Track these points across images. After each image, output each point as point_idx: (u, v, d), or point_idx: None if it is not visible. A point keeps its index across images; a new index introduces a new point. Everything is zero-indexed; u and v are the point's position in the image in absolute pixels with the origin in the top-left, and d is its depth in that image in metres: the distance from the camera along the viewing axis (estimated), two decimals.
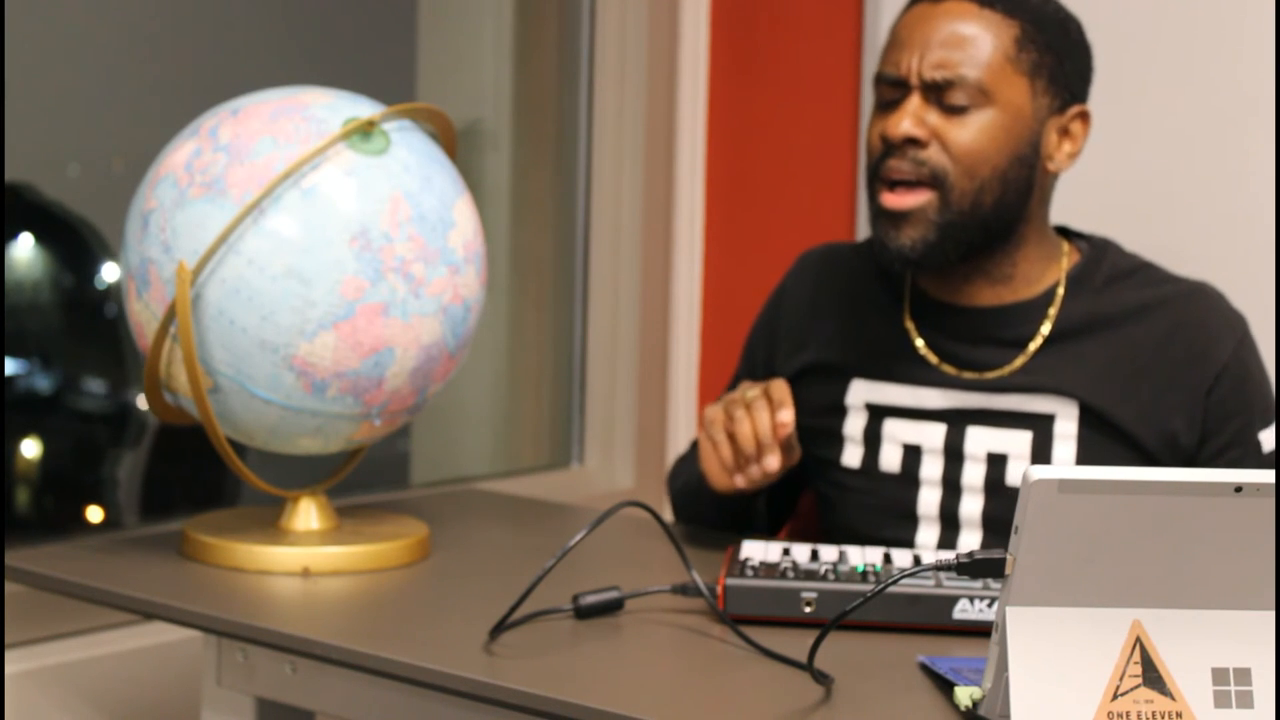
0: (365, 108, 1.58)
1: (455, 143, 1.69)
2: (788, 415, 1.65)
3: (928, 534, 1.75)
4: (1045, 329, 1.74)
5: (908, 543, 1.75)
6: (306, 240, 1.49)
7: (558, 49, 2.89)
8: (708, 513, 1.84)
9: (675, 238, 2.85)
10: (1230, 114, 2.27)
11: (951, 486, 1.74)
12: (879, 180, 1.71)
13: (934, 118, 1.68)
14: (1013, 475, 1.71)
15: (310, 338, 1.50)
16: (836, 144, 2.68)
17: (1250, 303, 1.85)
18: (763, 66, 2.77)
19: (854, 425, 1.79)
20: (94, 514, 2.36)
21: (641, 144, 2.85)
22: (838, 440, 1.80)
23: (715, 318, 2.85)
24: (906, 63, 1.69)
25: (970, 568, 1.15)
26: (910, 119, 1.67)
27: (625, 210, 2.83)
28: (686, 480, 1.88)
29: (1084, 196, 2.06)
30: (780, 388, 1.68)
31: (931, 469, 1.75)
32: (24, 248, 2.26)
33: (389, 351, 1.53)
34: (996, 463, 1.72)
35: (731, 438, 1.67)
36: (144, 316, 1.55)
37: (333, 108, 1.56)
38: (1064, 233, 1.81)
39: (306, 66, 2.57)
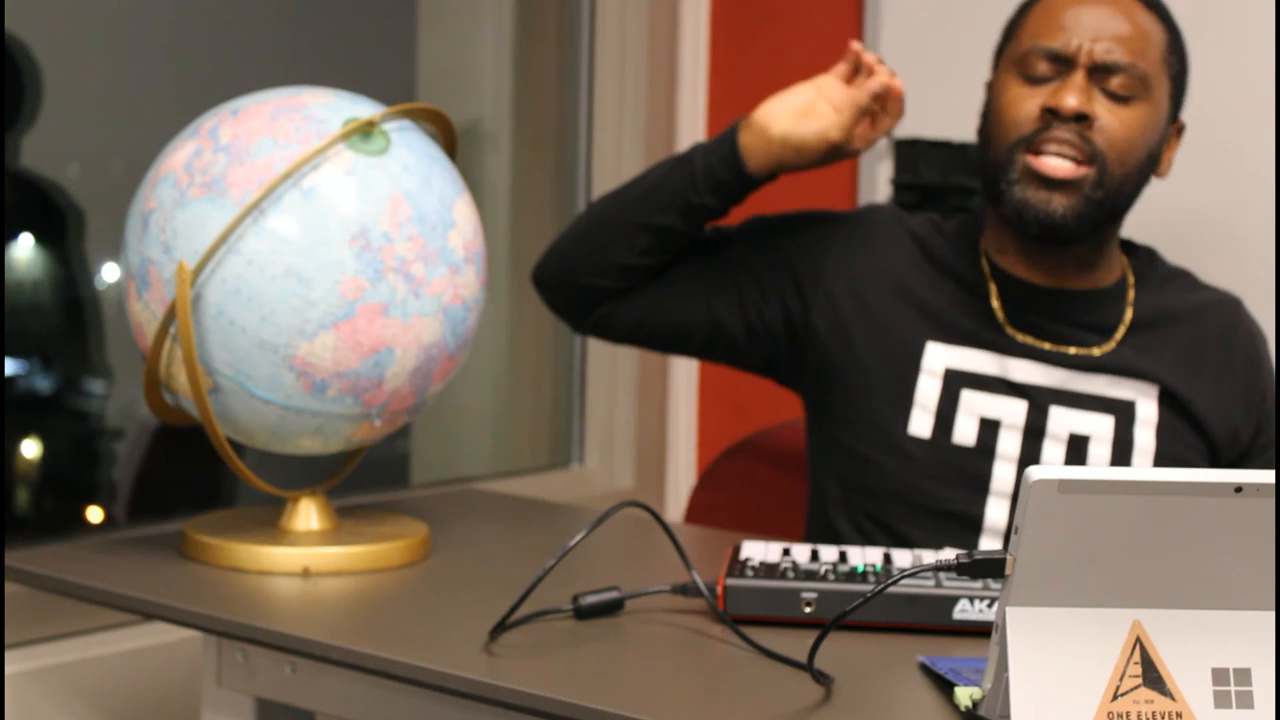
0: (365, 108, 1.58)
1: (455, 143, 1.69)
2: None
3: (999, 509, 1.75)
4: (1127, 316, 1.79)
5: (977, 516, 1.75)
6: (306, 240, 1.49)
7: (558, 49, 2.89)
8: (683, 195, 1.80)
9: None
10: (1231, 113, 2.27)
11: (1029, 464, 1.73)
12: (1027, 150, 1.71)
13: (1096, 101, 1.70)
14: (1094, 457, 1.74)
15: (310, 338, 1.50)
16: None
17: (1249, 302, 1.86)
18: (763, 66, 2.77)
19: (927, 392, 1.77)
20: (94, 514, 2.37)
21: (641, 144, 2.85)
22: (905, 405, 1.78)
23: None
24: (1076, 41, 1.70)
25: (970, 568, 1.15)
26: (1080, 95, 1.69)
27: None
28: (680, 165, 1.83)
29: None
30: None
31: (1009, 445, 1.75)
32: (24, 248, 2.26)
33: (389, 352, 1.53)
34: (1078, 444, 1.75)
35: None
36: (144, 316, 1.55)
37: (333, 108, 1.56)
38: None
39: (306, 66, 2.57)
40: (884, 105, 1.79)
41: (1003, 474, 1.75)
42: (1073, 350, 1.76)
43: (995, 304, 1.79)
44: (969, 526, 1.75)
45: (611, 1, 2.84)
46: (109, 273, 2.34)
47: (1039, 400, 1.75)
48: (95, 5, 2.35)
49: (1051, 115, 1.69)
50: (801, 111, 1.77)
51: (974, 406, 1.76)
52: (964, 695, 1.18)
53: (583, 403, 2.93)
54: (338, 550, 1.58)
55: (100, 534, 2.31)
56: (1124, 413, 1.75)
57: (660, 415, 2.91)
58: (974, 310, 1.79)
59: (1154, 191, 2.30)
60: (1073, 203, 1.70)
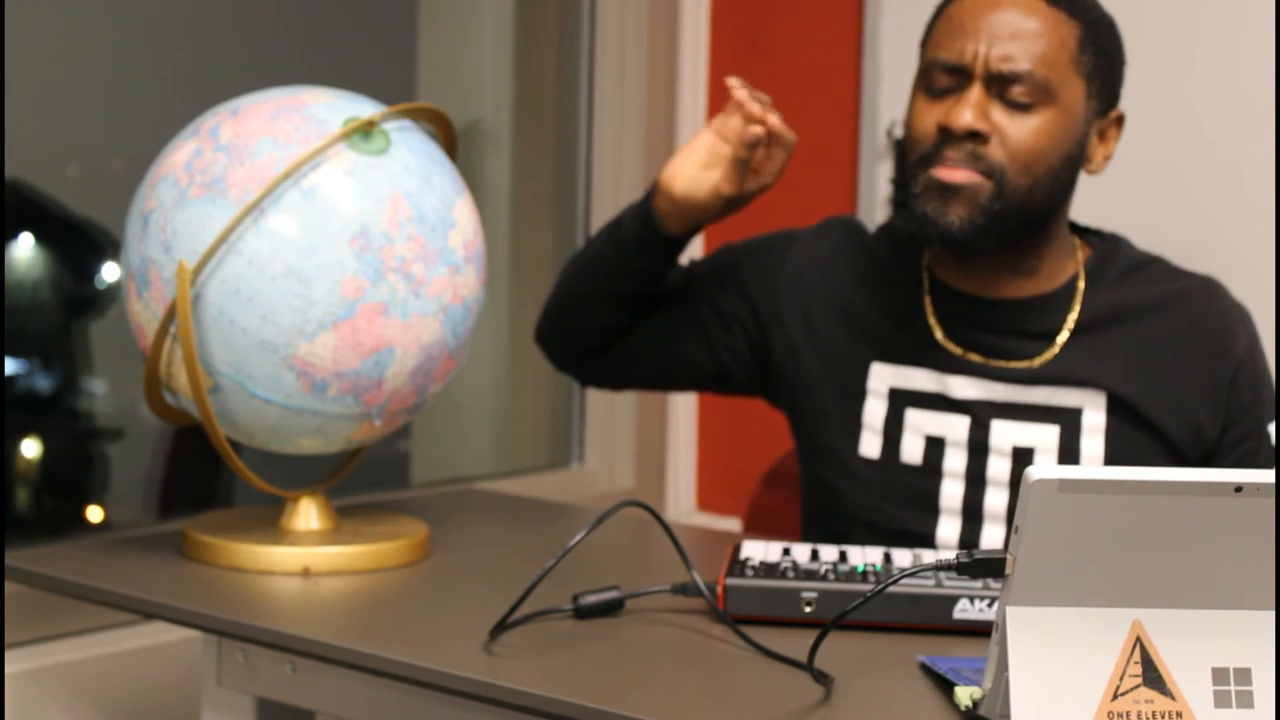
0: (365, 108, 1.58)
1: (455, 143, 1.69)
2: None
3: (949, 527, 1.74)
4: (1071, 321, 1.74)
5: (928, 534, 1.75)
6: (306, 240, 1.49)
7: (558, 49, 2.89)
8: (621, 262, 1.82)
9: None
10: (1230, 113, 2.27)
11: (975, 480, 1.73)
12: (927, 168, 1.68)
13: (996, 112, 1.66)
14: None
15: (310, 338, 1.50)
16: (837, 143, 2.68)
17: (1250, 301, 1.86)
18: (763, 66, 2.77)
19: (874, 413, 1.77)
20: (94, 514, 2.36)
21: (641, 144, 2.85)
22: (855, 427, 1.79)
23: None
24: (971, 51, 1.66)
25: (970, 568, 1.15)
26: (973, 111, 1.65)
27: None
28: (614, 231, 1.84)
29: (1083, 194, 2.06)
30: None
31: (955, 461, 1.74)
32: (24, 248, 2.26)
33: (389, 351, 1.53)
34: (1022, 457, 1.72)
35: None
36: (144, 316, 1.55)
37: (333, 108, 1.56)
38: (1072, 228, 1.81)
39: (306, 66, 2.57)
40: (775, 139, 1.75)
41: (950, 491, 1.74)
42: (1011, 363, 1.74)
43: (932, 319, 1.77)
44: (923, 546, 1.74)
45: (611, 1, 2.84)
46: (109, 273, 2.34)
47: (980, 415, 1.73)
48: (96, 5, 2.35)
49: (946, 132, 1.66)
50: (702, 164, 1.76)
51: (919, 425, 1.75)
52: (964, 695, 1.18)
53: (583, 403, 2.93)
54: (338, 550, 1.58)
55: (100, 534, 2.30)
56: (1069, 421, 1.72)
57: (660, 415, 2.91)
58: (913, 327, 1.78)
59: (1153, 191, 2.30)
60: (969, 213, 1.66)
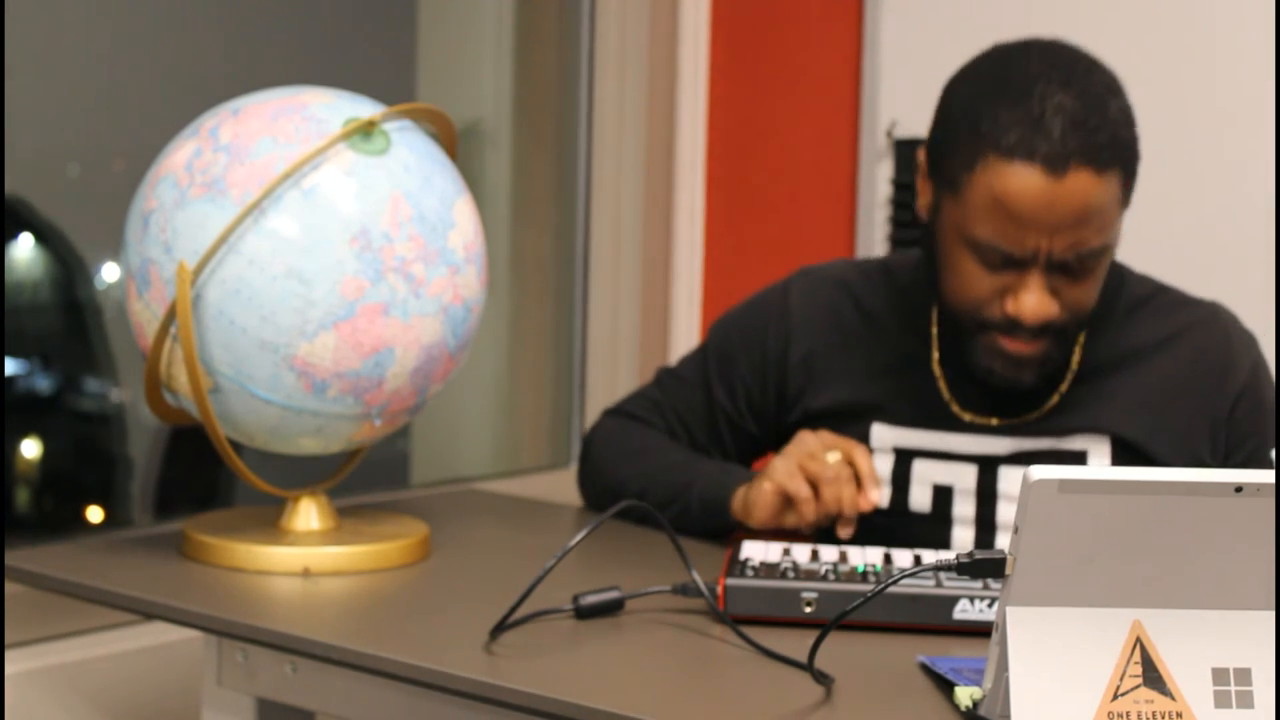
0: (365, 108, 1.58)
1: (455, 143, 1.69)
2: (878, 495, 1.66)
3: None
4: (1075, 364, 1.73)
5: None
6: (307, 240, 1.49)
7: (558, 49, 2.89)
8: (688, 524, 1.77)
9: (675, 238, 2.85)
10: (1230, 114, 2.27)
11: (986, 525, 1.73)
12: (990, 330, 1.65)
13: (1058, 281, 1.62)
14: None
15: (310, 338, 1.50)
16: (837, 144, 2.68)
17: (1250, 305, 1.86)
18: (763, 66, 2.77)
19: (880, 465, 1.76)
20: (94, 514, 2.37)
21: (641, 144, 2.85)
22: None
23: (715, 317, 2.85)
24: (1034, 244, 1.59)
25: (970, 568, 1.15)
26: (1041, 299, 1.61)
27: (625, 210, 2.83)
28: (682, 502, 1.78)
29: None
30: (865, 458, 1.66)
31: (964, 508, 1.74)
32: (24, 248, 2.26)
33: (389, 352, 1.53)
34: None
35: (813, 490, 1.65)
36: (144, 316, 1.55)
37: (333, 108, 1.56)
38: None
39: (306, 66, 2.57)
40: None
41: (961, 538, 1.74)
42: (1016, 416, 1.73)
43: (938, 376, 1.76)
44: None
45: (612, 1, 2.84)
46: (109, 273, 2.34)
47: (987, 464, 1.73)
48: (95, 5, 2.35)
49: (1010, 319, 1.63)
50: (781, 512, 1.67)
51: (926, 475, 1.75)
52: (964, 695, 1.18)
53: (583, 403, 2.93)
54: (338, 550, 1.58)
55: (100, 534, 2.31)
56: (1075, 464, 1.71)
57: None
58: (917, 389, 1.76)
59: (1153, 193, 2.30)
60: (1042, 371, 1.66)
